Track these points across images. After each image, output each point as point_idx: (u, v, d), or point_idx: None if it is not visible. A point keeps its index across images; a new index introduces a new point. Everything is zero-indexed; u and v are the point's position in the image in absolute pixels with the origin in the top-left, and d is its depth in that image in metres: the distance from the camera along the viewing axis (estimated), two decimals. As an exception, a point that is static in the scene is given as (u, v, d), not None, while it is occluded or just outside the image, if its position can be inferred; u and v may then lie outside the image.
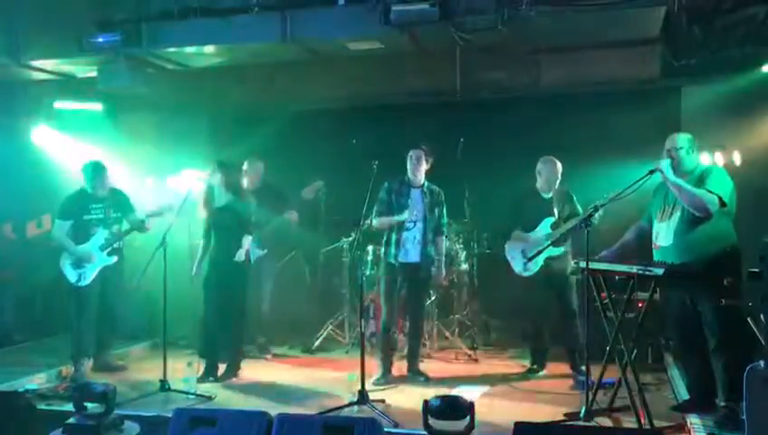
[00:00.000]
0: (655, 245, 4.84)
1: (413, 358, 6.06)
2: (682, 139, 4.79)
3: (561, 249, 5.85)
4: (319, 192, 6.96)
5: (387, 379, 5.86)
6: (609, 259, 4.82)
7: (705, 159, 6.47)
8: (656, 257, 4.80)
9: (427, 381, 5.89)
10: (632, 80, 7.05)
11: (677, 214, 4.67)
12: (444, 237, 6.07)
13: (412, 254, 5.90)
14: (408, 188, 5.90)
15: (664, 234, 4.75)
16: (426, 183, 6.00)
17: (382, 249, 6.01)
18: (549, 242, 5.77)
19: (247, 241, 6.02)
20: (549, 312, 6.02)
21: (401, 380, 5.93)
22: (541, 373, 6.09)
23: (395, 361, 6.09)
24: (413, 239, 5.90)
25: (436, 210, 5.98)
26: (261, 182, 6.87)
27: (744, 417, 3.84)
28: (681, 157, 4.72)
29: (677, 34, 5.77)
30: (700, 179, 4.62)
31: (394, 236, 5.91)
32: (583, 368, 5.79)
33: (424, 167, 5.91)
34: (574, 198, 5.95)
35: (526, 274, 5.97)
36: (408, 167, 5.89)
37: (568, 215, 5.85)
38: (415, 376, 5.96)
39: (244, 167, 6.75)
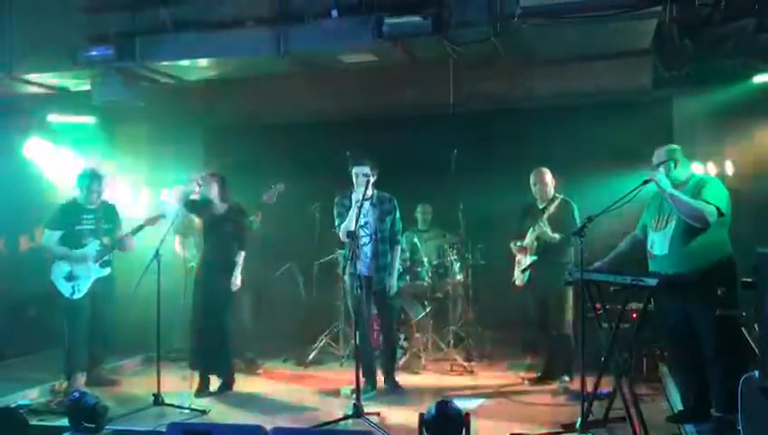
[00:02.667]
0: (650, 254, 4.85)
1: (387, 370, 6.05)
2: (666, 152, 4.80)
3: (534, 256, 5.94)
4: (279, 194, 6.90)
5: (375, 391, 5.87)
6: (604, 270, 4.83)
7: (697, 168, 6.52)
8: (651, 267, 4.81)
9: (400, 391, 5.88)
10: (624, 91, 7.09)
11: (673, 223, 4.67)
12: (398, 247, 6.05)
13: (368, 266, 5.91)
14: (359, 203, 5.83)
15: (659, 243, 4.75)
16: (375, 193, 5.95)
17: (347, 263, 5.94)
18: (534, 254, 5.95)
19: (242, 258, 6.00)
20: (547, 321, 6.04)
21: (380, 392, 5.90)
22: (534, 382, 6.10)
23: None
24: (370, 253, 5.90)
25: (387, 219, 5.94)
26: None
27: (740, 427, 3.84)
28: (668, 170, 4.73)
29: (669, 46, 5.80)
30: (696, 190, 4.63)
31: (355, 252, 5.89)
32: (566, 378, 5.84)
33: (371, 181, 5.81)
34: (573, 208, 5.95)
35: (517, 282, 6.13)
36: (357, 182, 5.83)
37: (557, 224, 5.87)
38: (390, 387, 5.95)
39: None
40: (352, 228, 5.66)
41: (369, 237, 5.91)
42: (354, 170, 5.84)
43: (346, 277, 5.99)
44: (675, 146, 4.88)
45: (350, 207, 5.79)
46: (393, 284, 5.99)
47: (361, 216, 5.81)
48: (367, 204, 5.87)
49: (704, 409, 4.69)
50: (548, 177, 6.02)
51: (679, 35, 5.58)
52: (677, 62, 5.94)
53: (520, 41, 5.89)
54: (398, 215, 6.03)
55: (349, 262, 5.81)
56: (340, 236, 5.81)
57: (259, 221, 6.82)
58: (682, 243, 4.61)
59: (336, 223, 5.90)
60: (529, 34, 5.69)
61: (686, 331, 4.72)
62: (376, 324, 6.56)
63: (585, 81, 7.04)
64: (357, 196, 5.74)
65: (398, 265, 6.08)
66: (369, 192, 5.87)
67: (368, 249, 5.90)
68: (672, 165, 4.74)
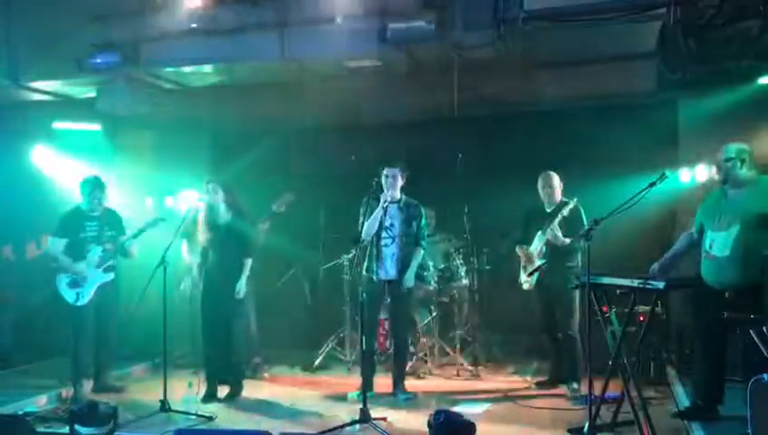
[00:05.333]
0: (708, 254, 4.76)
1: (397, 376, 6.02)
2: (731, 149, 4.74)
3: (542, 260, 5.91)
4: (289, 204, 6.91)
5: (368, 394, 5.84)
6: (665, 269, 4.79)
7: (702, 171, 6.50)
8: (707, 268, 4.74)
9: (411, 398, 5.84)
10: (629, 93, 7.08)
11: (737, 226, 4.59)
12: (420, 249, 6.04)
13: (390, 270, 5.91)
14: (385, 204, 5.88)
15: (720, 244, 4.66)
16: (403, 198, 5.99)
17: (365, 265, 5.97)
18: (543, 258, 5.90)
19: (248, 265, 6.01)
20: (554, 325, 6.02)
21: (387, 397, 5.87)
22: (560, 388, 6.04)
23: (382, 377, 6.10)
24: (391, 256, 5.90)
25: (414, 223, 5.96)
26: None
27: (749, 430, 3.82)
28: (730, 168, 4.69)
29: (673, 48, 5.79)
30: None
31: (374, 252, 5.90)
32: (574, 384, 5.81)
33: (399, 183, 5.92)
34: (581, 212, 5.91)
35: (525, 286, 6.07)
36: (384, 184, 5.86)
37: (568, 228, 5.85)
38: (399, 394, 5.91)
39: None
40: (374, 230, 5.73)
41: (391, 239, 5.91)
42: (384, 172, 5.87)
43: (365, 275, 5.92)
44: (746, 146, 4.81)
45: (375, 209, 5.82)
46: (411, 279, 5.98)
47: (387, 217, 5.83)
48: (394, 207, 5.91)
49: (713, 406, 4.68)
50: (556, 181, 6.02)
51: (683, 37, 5.57)
52: (682, 65, 5.93)
53: (524, 44, 5.89)
54: (423, 221, 6.04)
55: (368, 263, 5.85)
56: (362, 235, 5.80)
57: (267, 230, 6.83)
58: (744, 247, 4.54)
59: (360, 222, 5.88)
60: (533, 38, 5.69)
61: (718, 332, 4.68)
62: (382, 328, 6.56)
63: (589, 84, 7.03)
64: (383, 197, 5.78)
65: (415, 265, 6.04)
66: (398, 195, 5.91)
67: (388, 251, 5.91)
68: (739, 164, 4.69)
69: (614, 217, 4.62)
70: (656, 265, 4.90)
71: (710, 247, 4.74)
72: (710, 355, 4.81)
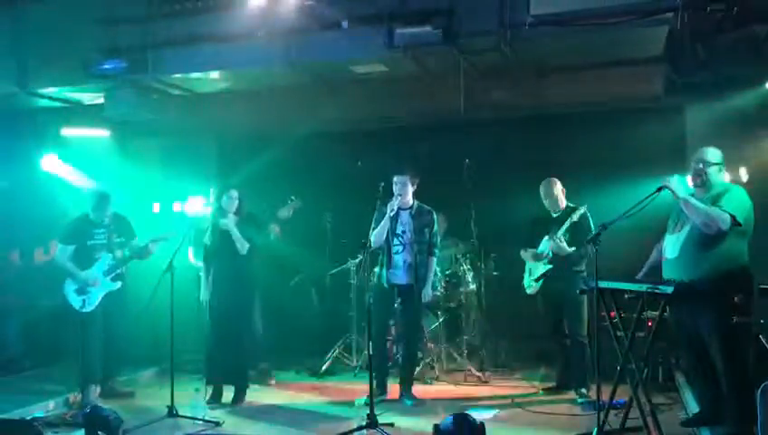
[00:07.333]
0: (663, 257, 4.80)
1: (405, 382, 6.01)
2: (713, 153, 4.72)
3: (549, 265, 5.87)
4: (295, 210, 6.91)
5: (383, 396, 5.86)
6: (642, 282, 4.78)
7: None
8: (663, 270, 4.76)
9: (418, 404, 5.82)
10: (636, 98, 7.06)
11: (686, 228, 4.63)
12: (434, 258, 6.05)
13: (401, 276, 5.91)
14: (396, 211, 5.88)
15: (671, 247, 4.71)
16: (415, 204, 5.99)
17: (376, 271, 5.98)
18: (547, 262, 5.88)
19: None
20: (562, 330, 5.99)
21: (395, 403, 5.87)
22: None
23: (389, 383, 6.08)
24: (403, 262, 5.90)
25: (426, 231, 5.95)
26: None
27: (760, 436, 3.80)
28: (710, 171, 4.67)
29: (681, 53, 5.79)
30: (717, 197, 4.56)
31: (385, 259, 5.90)
32: (583, 390, 5.78)
33: (410, 190, 5.92)
34: (589, 218, 5.87)
35: (529, 291, 6.06)
36: (395, 191, 5.86)
37: (577, 234, 5.82)
38: (406, 399, 5.90)
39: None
40: (382, 238, 5.73)
41: (402, 247, 5.91)
42: (393, 179, 5.87)
43: (377, 281, 5.92)
44: (720, 151, 4.80)
45: (385, 215, 5.81)
46: (429, 292, 6.03)
47: (398, 225, 5.83)
48: (405, 214, 5.91)
49: (719, 412, 4.66)
50: (557, 188, 5.98)
51: (691, 42, 5.56)
52: (689, 70, 5.93)
53: (530, 49, 5.90)
54: (436, 228, 6.04)
55: (380, 269, 5.87)
56: (372, 243, 5.77)
57: (278, 234, 6.85)
58: (693, 249, 4.56)
59: (372, 227, 5.87)
60: (539, 43, 5.69)
61: (695, 337, 4.69)
62: (389, 334, 6.55)
63: (596, 88, 7.01)
64: (390, 205, 5.77)
65: (431, 277, 6.07)
66: (409, 201, 5.92)
67: (399, 258, 5.91)
68: (718, 169, 4.69)
69: (622, 221, 4.60)
70: (638, 277, 4.90)
71: (665, 251, 4.79)
72: (697, 362, 4.81)
